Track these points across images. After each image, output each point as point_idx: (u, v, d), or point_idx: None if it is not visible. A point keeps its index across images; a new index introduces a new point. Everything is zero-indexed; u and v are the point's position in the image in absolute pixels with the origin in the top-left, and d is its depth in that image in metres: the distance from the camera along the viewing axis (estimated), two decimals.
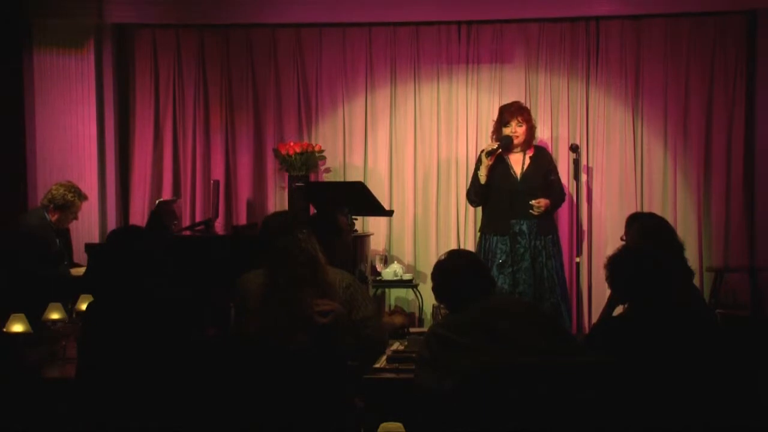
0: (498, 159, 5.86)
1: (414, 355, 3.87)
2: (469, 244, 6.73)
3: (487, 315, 3.24)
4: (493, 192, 5.86)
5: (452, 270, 3.42)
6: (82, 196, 5.78)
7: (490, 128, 6.79)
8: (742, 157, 6.64)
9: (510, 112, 5.94)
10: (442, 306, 4.12)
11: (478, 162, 5.94)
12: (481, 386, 3.02)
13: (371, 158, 7.00)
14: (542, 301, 5.71)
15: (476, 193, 5.88)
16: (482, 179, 5.83)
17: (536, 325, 3.26)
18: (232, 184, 7.09)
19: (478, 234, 6.14)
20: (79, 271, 5.77)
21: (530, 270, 5.78)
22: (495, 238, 5.84)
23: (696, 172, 6.69)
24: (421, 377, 3.26)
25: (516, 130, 5.89)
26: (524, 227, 5.82)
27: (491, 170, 5.84)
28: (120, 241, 3.35)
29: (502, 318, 3.23)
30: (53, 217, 5.68)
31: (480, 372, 3.05)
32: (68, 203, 5.68)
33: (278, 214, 4.26)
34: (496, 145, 5.83)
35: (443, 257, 3.53)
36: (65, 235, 5.99)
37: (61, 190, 5.69)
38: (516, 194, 5.83)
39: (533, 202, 5.78)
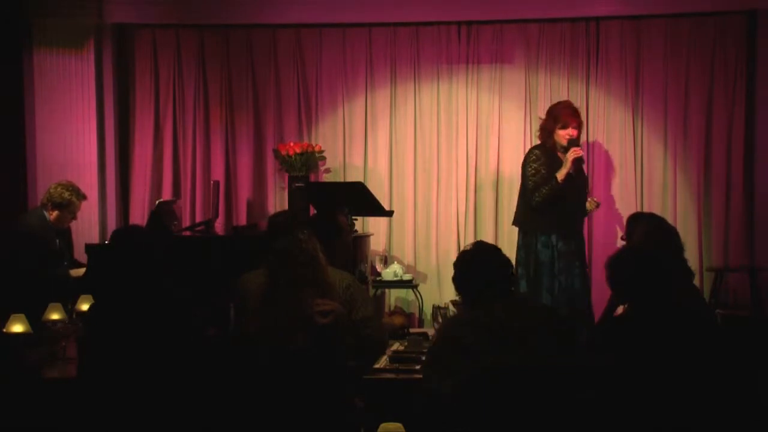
0: (557, 160, 5.55)
1: (414, 355, 3.87)
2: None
3: (504, 316, 3.19)
4: (567, 192, 5.52)
5: (477, 263, 3.32)
6: (81, 196, 5.77)
7: (490, 128, 6.85)
8: (742, 157, 6.64)
9: (570, 114, 5.59)
10: (442, 307, 4.11)
11: (539, 164, 5.51)
12: (480, 387, 3.02)
13: (371, 158, 6.99)
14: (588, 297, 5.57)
15: (555, 196, 5.45)
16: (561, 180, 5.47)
17: (556, 335, 3.20)
18: (232, 184, 7.08)
19: (533, 234, 5.55)
20: (80, 271, 5.76)
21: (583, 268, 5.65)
22: (554, 237, 5.50)
23: (696, 172, 6.68)
24: (429, 372, 3.23)
25: (573, 133, 5.54)
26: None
27: (553, 171, 5.51)
28: (121, 242, 3.35)
29: (521, 322, 3.18)
30: (52, 217, 5.67)
31: (479, 373, 3.04)
32: (66, 202, 5.67)
33: (282, 214, 4.27)
34: (580, 151, 5.51)
35: (469, 247, 3.42)
36: (66, 235, 5.98)
37: (59, 189, 5.68)
38: (583, 194, 5.72)
39: (591, 198, 5.81)
